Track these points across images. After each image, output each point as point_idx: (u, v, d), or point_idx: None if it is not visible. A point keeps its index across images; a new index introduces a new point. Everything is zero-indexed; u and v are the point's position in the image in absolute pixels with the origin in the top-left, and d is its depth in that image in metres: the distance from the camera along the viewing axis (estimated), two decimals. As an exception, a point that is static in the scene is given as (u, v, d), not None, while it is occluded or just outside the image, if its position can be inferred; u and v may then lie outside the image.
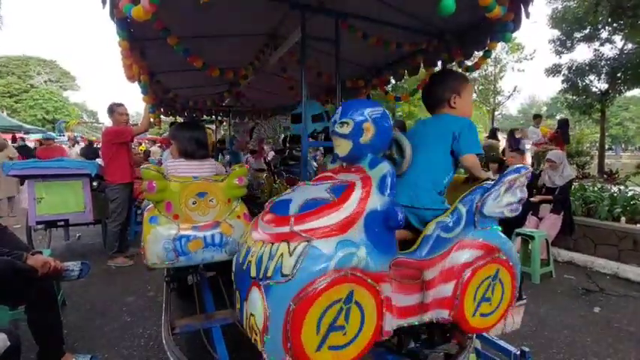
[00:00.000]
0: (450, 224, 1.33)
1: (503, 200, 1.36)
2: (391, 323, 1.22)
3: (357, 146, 1.31)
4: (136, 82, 2.51)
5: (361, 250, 1.15)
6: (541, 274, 3.77)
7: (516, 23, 1.70)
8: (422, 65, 2.61)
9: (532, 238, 3.81)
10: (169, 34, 1.93)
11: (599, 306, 3.16)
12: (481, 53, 2.07)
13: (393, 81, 3.29)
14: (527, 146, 6.75)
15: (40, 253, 2.05)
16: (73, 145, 11.49)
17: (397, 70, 2.84)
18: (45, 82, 33.47)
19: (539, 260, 3.75)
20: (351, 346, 1.15)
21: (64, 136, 12.84)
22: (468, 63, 2.21)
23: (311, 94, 4.52)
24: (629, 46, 9.90)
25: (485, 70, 19.27)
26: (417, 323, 1.31)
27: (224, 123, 7.18)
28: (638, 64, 9.75)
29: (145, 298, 3.23)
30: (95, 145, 10.86)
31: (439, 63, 2.41)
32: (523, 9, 1.64)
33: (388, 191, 1.20)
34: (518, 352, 1.84)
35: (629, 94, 14.15)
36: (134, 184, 4.40)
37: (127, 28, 1.80)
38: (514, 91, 19.96)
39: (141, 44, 2.36)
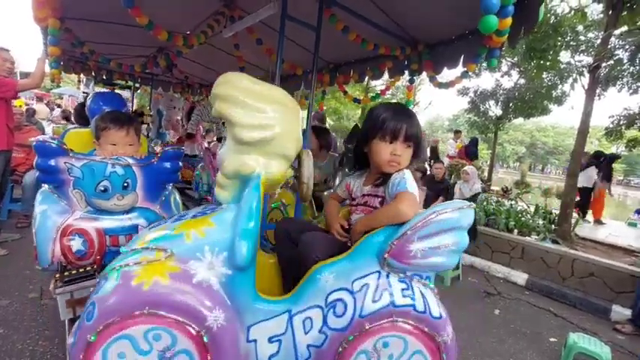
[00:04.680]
0: None
1: None
2: None
3: None
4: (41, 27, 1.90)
5: None
6: (451, 278, 4.17)
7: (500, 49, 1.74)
8: (386, 71, 2.55)
9: (448, 244, 4.16)
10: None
11: (498, 308, 3.61)
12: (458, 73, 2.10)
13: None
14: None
15: None
16: None
17: (363, 70, 2.72)
18: None
19: (451, 265, 4.13)
20: None
21: None
22: (441, 80, 2.22)
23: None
24: (522, 81, 11.73)
25: (406, 81, 20.91)
26: None
27: (140, 90, 6.26)
28: (523, 97, 11.76)
29: (24, 301, 2.55)
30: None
31: (406, 72, 2.38)
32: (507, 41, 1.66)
33: None
34: None
35: (514, 121, 16.87)
36: (12, 153, 3.48)
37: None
38: (429, 104, 22.26)
39: (53, -25, 1.77)
